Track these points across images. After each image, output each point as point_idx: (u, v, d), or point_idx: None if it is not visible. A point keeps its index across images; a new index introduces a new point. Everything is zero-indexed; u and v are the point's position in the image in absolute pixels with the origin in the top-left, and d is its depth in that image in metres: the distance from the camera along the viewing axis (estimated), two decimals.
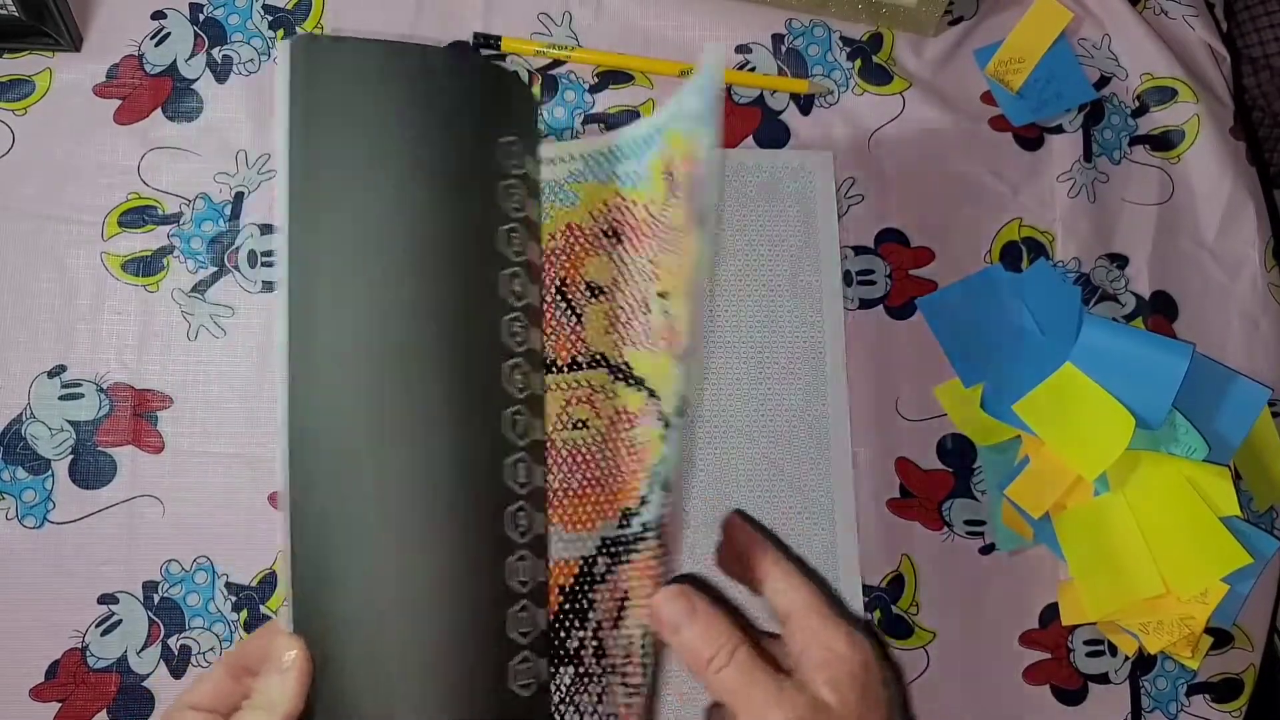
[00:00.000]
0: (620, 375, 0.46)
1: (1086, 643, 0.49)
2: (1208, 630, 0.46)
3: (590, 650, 0.43)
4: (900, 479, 0.49)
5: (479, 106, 0.39)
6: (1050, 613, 0.48)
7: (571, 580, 0.44)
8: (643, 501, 0.44)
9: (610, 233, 0.47)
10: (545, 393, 0.40)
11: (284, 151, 0.36)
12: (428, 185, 0.38)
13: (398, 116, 0.38)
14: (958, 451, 0.50)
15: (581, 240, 0.48)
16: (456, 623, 0.36)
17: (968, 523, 0.49)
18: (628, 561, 0.44)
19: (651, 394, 0.46)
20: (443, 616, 0.36)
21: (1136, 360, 0.46)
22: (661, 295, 0.46)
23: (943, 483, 0.49)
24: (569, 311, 0.47)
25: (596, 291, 0.47)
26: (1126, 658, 0.48)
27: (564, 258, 0.47)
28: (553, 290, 0.47)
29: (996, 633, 0.48)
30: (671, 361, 0.44)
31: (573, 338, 0.47)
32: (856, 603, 0.46)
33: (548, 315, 0.47)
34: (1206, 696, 0.49)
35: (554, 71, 0.52)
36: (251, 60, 0.50)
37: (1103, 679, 0.48)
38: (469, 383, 0.38)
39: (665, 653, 0.41)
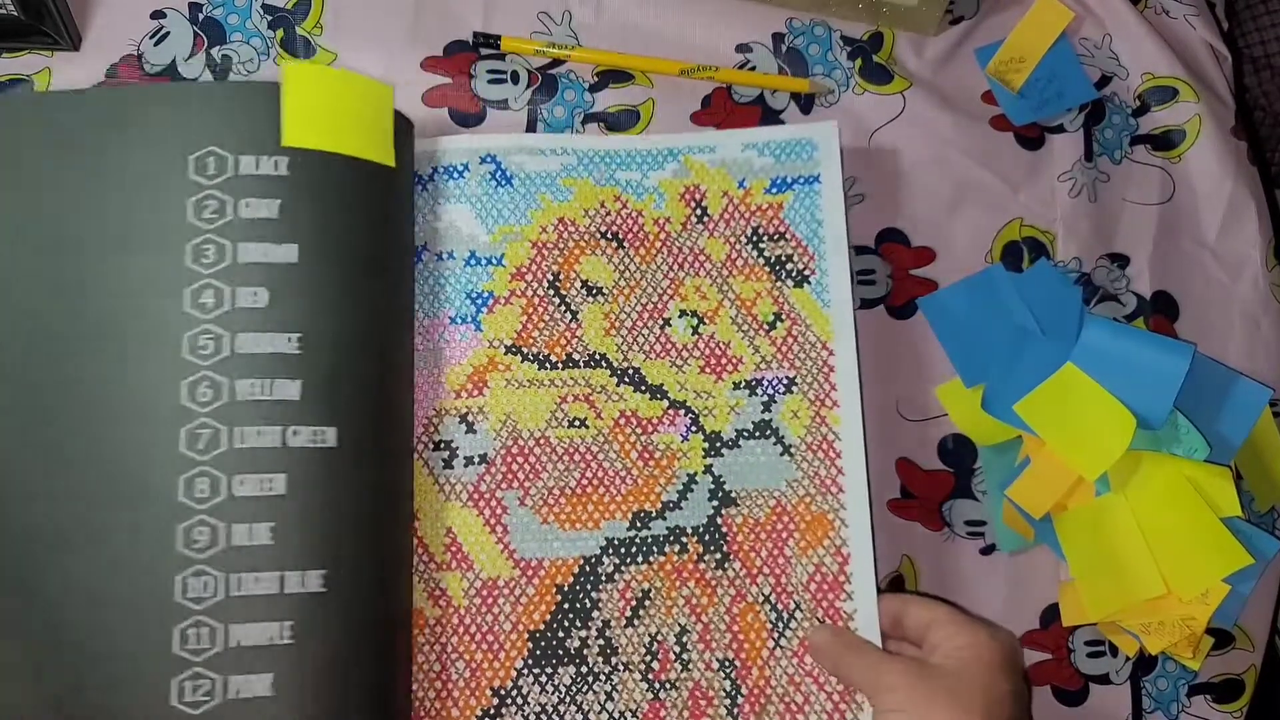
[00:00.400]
0: (627, 380, 0.46)
1: (1087, 643, 0.48)
2: (1209, 631, 0.46)
3: (595, 649, 0.43)
4: (901, 479, 0.49)
5: (165, 133, 0.42)
6: (1051, 613, 0.48)
7: (570, 579, 0.44)
8: (668, 506, 0.45)
9: (609, 235, 0.48)
10: (282, 398, 0.40)
11: None
12: (103, 218, 0.41)
13: (91, 162, 0.41)
14: (959, 452, 0.50)
15: (575, 236, 0.48)
16: (119, 638, 0.38)
17: (968, 523, 0.49)
18: (646, 562, 0.44)
19: (677, 405, 0.46)
20: (107, 632, 0.38)
21: (1138, 360, 0.46)
22: (691, 314, 0.47)
23: (943, 483, 0.49)
24: (563, 307, 0.47)
25: (594, 291, 0.47)
26: (1127, 658, 0.48)
27: (556, 252, 0.48)
28: (544, 284, 0.47)
29: None
30: (725, 387, 0.46)
31: (567, 334, 0.47)
32: (869, 605, 0.46)
33: (539, 309, 0.47)
34: (1208, 697, 0.49)
35: (553, 71, 0.51)
36: (251, 60, 0.50)
37: (1104, 680, 0.48)
38: (142, 402, 0.39)
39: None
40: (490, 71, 0.51)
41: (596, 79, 0.52)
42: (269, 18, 0.51)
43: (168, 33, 0.50)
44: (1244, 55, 0.69)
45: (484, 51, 0.51)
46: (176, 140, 0.42)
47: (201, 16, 0.51)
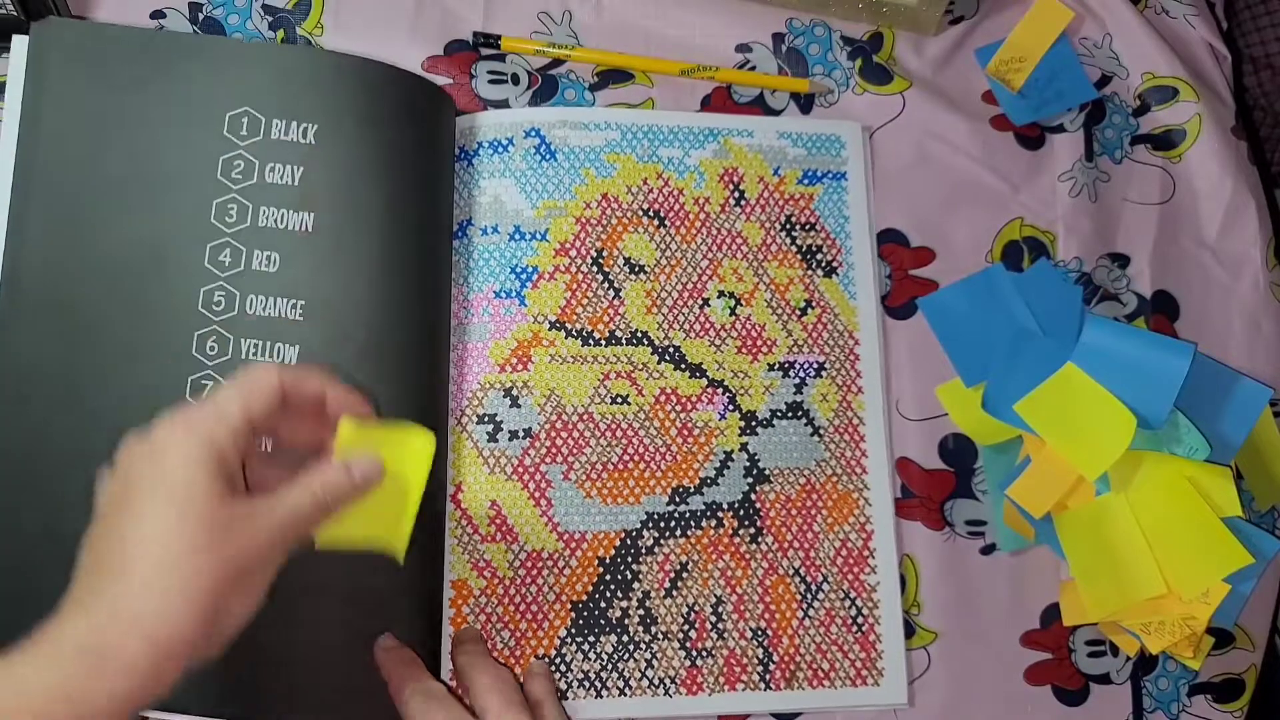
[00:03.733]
0: (668, 358, 0.47)
1: (1088, 643, 0.48)
2: (1209, 630, 0.46)
3: (635, 619, 0.44)
4: (902, 479, 0.49)
5: (206, 86, 0.43)
6: (1052, 613, 0.48)
7: (612, 552, 0.45)
8: (706, 482, 0.46)
9: (652, 212, 0.48)
10: (279, 360, 0.42)
11: (13, 126, 0.43)
12: (145, 164, 0.42)
13: (124, 97, 0.43)
14: (959, 451, 0.50)
15: (618, 212, 0.48)
16: None
17: (969, 523, 0.49)
18: (684, 536, 0.46)
19: (715, 384, 0.47)
20: None
21: (1138, 360, 0.46)
22: (729, 295, 0.48)
23: (944, 483, 0.49)
24: (606, 284, 0.47)
25: (636, 268, 0.48)
26: (1128, 658, 0.48)
27: (599, 228, 0.48)
28: (588, 260, 0.47)
29: (998, 633, 0.48)
30: (760, 368, 0.48)
31: (610, 311, 0.47)
32: (894, 599, 0.47)
33: (583, 285, 0.47)
34: (1208, 697, 0.49)
35: (554, 71, 0.51)
36: None
37: (1104, 679, 0.48)
38: (158, 346, 0.41)
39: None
40: (490, 72, 0.51)
41: (597, 79, 0.52)
42: (269, 18, 0.51)
43: None
44: (1244, 55, 0.69)
45: (484, 52, 0.51)
46: (216, 95, 0.43)
47: (201, 16, 0.50)
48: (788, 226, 0.50)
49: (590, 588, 0.45)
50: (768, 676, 0.45)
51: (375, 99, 0.45)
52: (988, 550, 0.49)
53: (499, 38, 0.51)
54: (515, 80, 0.51)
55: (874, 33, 0.54)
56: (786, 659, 0.45)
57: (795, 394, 0.48)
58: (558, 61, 0.52)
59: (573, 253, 0.48)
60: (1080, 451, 0.45)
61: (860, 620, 0.46)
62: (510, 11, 0.52)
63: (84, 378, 0.41)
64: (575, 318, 0.47)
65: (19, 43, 0.43)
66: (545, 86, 0.51)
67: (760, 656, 0.45)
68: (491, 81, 0.51)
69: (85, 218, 0.42)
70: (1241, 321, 0.52)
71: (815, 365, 0.48)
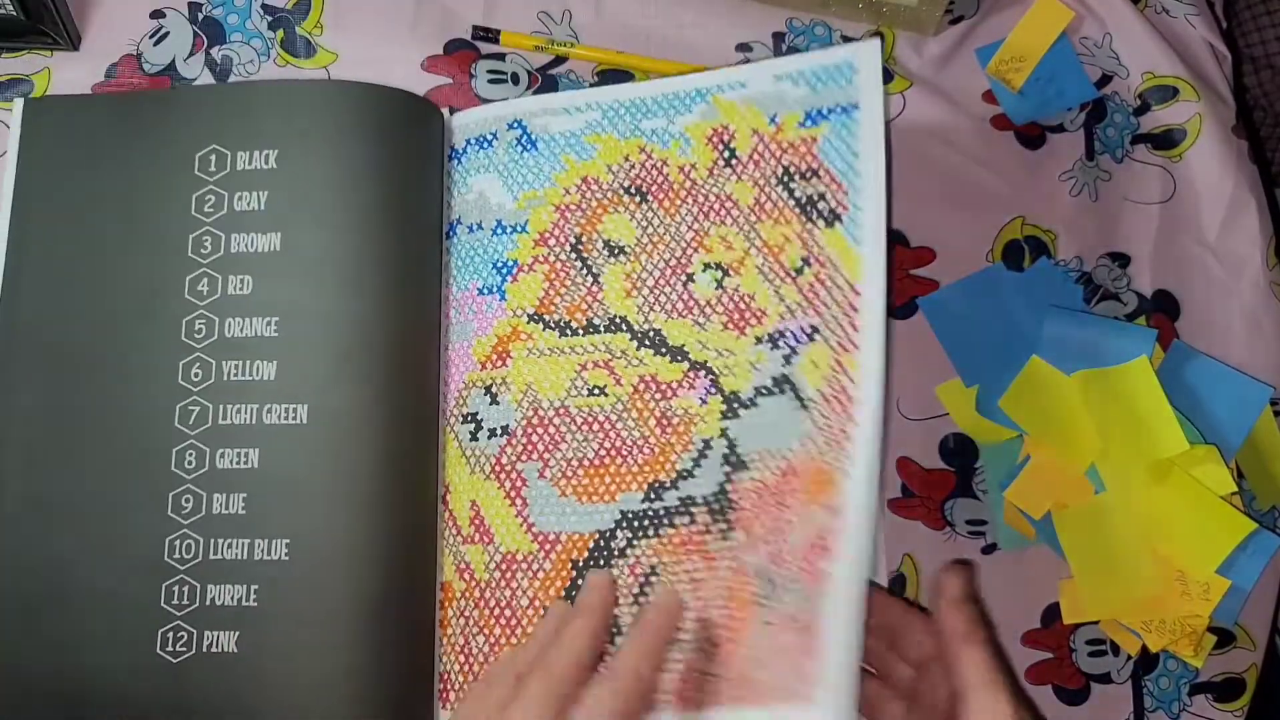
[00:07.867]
0: (647, 343, 0.46)
1: (1089, 642, 0.48)
2: (1210, 629, 0.46)
3: None
4: (902, 478, 0.49)
5: (177, 134, 0.46)
6: (1053, 612, 0.48)
7: (585, 554, 0.44)
8: (682, 475, 0.44)
9: (633, 190, 0.47)
10: (259, 378, 0.43)
11: (9, 193, 0.46)
12: (128, 213, 0.45)
13: (105, 158, 0.46)
14: (960, 451, 0.50)
15: (598, 194, 0.47)
16: (115, 591, 0.42)
17: (969, 522, 0.49)
18: (656, 536, 0.43)
19: (697, 366, 0.45)
20: (105, 586, 0.42)
21: (1100, 348, 0.46)
22: (715, 267, 0.45)
23: (944, 482, 0.49)
24: (585, 271, 0.46)
25: (616, 251, 0.46)
26: (1129, 657, 0.48)
27: (579, 213, 0.47)
28: (566, 247, 0.47)
29: (999, 632, 0.48)
30: (747, 342, 0.44)
31: (588, 298, 0.46)
32: (851, 590, 0.44)
33: (561, 274, 0.46)
34: (1209, 696, 0.49)
35: (554, 70, 0.51)
36: (251, 61, 0.50)
37: (1105, 679, 0.48)
38: (147, 380, 0.44)
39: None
40: (490, 72, 0.51)
41: (597, 79, 0.52)
42: (269, 18, 0.51)
43: (167, 33, 0.50)
44: (1244, 55, 0.69)
45: (484, 50, 0.51)
46: (186, 140, 0.46)
47: (201, 16, 0.51)
48: (785, 179, 0.45)
49: (563, 592, 0.43)
50: (714, 690, 0.39)
51: (333, 118, 0.45)
52: (988, 550, 0.49)
53: (498, 32, 0.51)
54: (515, 80, 0.51)
55: (874, 32, 0.54)
56: (730, 669, 0.40)
57: (783, 365, 0.43)
58: (558, 61, 0.52)
59: (551, 242, 0.46)
60: (1063, 442, 0.45)
61: (806, 618, 0.39)
62: (510, 11, 0.52)
63: (77, 419, 0.43)
64: (553, 309, 0.46)
65: (15, 119, 0.47)
66: (545, 86, 0.51)
67: (708, 668, 0.40)
68: (491, 81, 0.51)
69: (74, 269, 0.45)
70: (1242, 321, 0.52)
71: (808, 330, 0.43)
